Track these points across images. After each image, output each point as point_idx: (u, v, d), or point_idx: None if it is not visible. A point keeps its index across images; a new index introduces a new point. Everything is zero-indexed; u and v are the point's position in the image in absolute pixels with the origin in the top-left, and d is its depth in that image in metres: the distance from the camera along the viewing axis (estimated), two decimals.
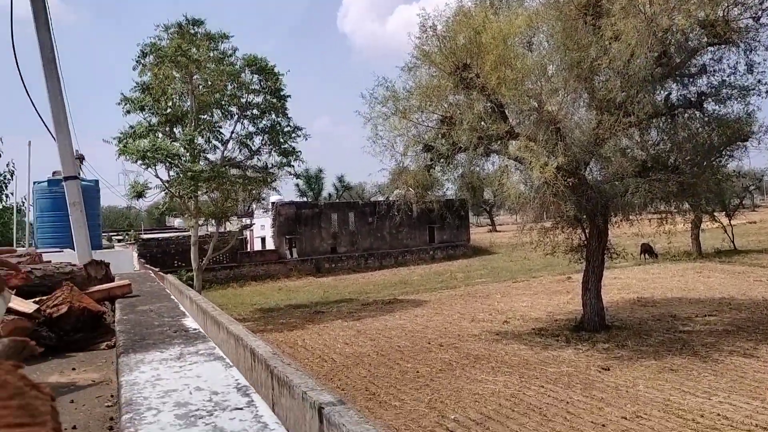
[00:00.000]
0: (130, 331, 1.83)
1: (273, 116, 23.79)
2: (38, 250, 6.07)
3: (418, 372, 12.47)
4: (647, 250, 29.22)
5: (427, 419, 9.56)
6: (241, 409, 1.02)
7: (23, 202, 13.93)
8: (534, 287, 24.36)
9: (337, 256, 37.95)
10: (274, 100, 23.40)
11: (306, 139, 24.53)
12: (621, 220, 15.76)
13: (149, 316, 2.10)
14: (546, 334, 15.26)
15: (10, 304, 2.28)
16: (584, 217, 15.05)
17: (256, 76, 23.07)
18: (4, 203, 14.81)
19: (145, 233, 41.41)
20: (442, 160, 14.84)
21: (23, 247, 10.36)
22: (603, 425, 8.74)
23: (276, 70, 23.14)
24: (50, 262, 2.97)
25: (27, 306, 2.25)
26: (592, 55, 12.42)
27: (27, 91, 6.39)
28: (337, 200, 49.56)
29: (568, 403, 9.84)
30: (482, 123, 13.73)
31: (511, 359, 13.01)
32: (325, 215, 38.41)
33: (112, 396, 1.73)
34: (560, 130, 13.07)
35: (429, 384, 11.53)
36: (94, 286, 2.80)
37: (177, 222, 44.78)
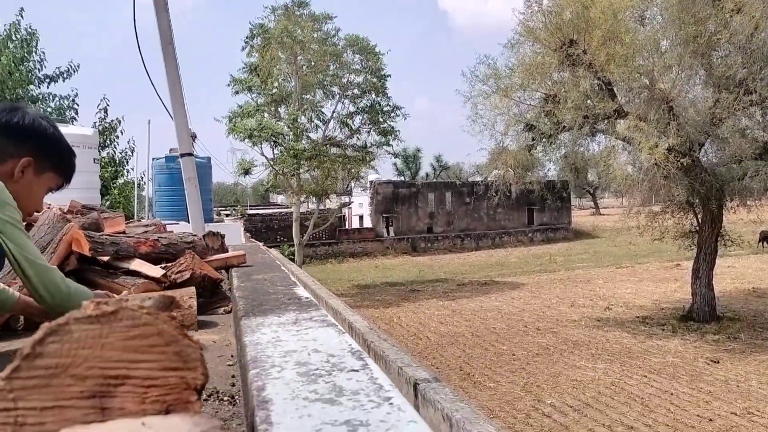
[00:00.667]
0: (248, 297, 1.95)
1: (373, 96, 24.04)
2: None
3: (513, 355, 12.35)
4: (766, 237, 27.18)
5: (522, 402, 9.48)
6: (356, 371, 1.08)
7: (142, 177, 14.98)
8: (639, 274, 23.35)
9: (433, 235, 38.02)
10: (375, 80, 23.63)
11: (405, 118, 24.64)
12: (737, 206, 14.74)
13: (264, 285, 2.23)
14: (651, 323, 14.63)
15: (140, 269, 2.49)
16: (697, 201, 14.20)
17: (358, 56, 23.37)
18: (125, 178, 15.98)
19: (250, 209, 43.30)
20: (544, 139, 14.45)
21: (143, 218, 11.14)
22: (710, 419, 8.31)
23: (377, 49, 23.33)
24: (172, 232, 3.20)
25: (155, 271, 2.45)
26: (710, 29, 11.60)
27: (148, 74, 6.78)
28: (435, 180, 49.52)
29: (672, 394, 9.43)
30: (588, 101, 13.20)
31: (612, 347, 12.60)
32: (422, 194, 38.53)
33: (232, 356, 1.86)
34: (673, 109, 12.33)
35: (525, 367, 11.40)
36: (212, 255, 2.99)
37: (280, 199, 46.49)
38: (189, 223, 6.13)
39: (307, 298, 1.88)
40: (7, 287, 1.87)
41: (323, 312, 1.63)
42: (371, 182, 36.48)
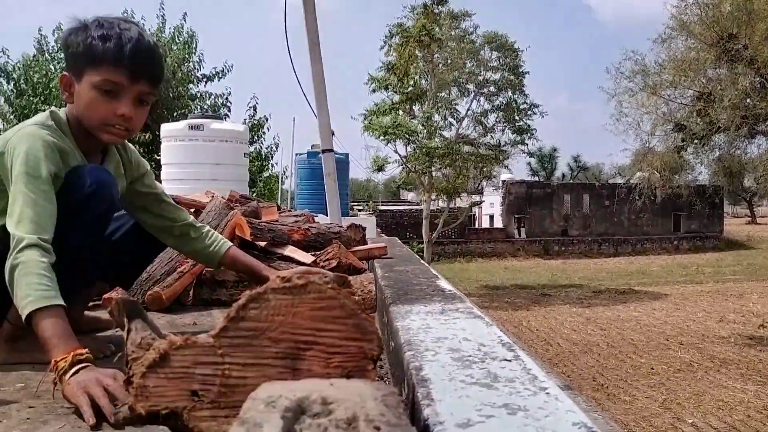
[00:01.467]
0: (393, 286, 2.04)
1: (509, 93, 23.65)
2: None
3: (652, 369, 11.65)
4: None
5: (660, 419, 8.94)
6: (509, 360, 1.11)
7: (285, 171, 15.85)
8: None
9: (568, 239, 36.69)
10: (512, 77, 23.23)
11: (542, 116, 24.00)
12: None
13: (407, 276, 2.31)
14: None
15: (294, 255, 2.67)
16: None
17: (495, 53, 23.10)
18: (270, 172, 16.98)
19: (381, 205, 44.28)
20: (695, 141, 13.47)
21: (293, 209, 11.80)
22: None
23: (516, 46, 22.93)
24: (319, 222, 3.40)
25: (307, 257, 2.62)
26: None
27: (296, 74, 7.14)
28: (571, 181, 47.74)
29: None
30: (748, 100, 12.13)
31: (765, 368, 11.50)
32: (557, 196, 37.30)
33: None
34: None
35: (664, 383, 10.72)
36: (354, 246, 3.14)
37: (410, 196, 47.06)
38: (327, 216, 6.42)
39: (450, 290, 1.94)
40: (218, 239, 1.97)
41: (468, 304, 1.67)
42: (504, 181, 35.90)
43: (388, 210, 38.55)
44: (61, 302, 1.33)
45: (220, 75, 16.20)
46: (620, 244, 36.80)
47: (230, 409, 0.75)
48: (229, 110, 16.25)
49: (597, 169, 60.71)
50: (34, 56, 15.49)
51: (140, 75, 1.55)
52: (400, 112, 22.59)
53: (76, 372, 1.20)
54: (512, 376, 1.00)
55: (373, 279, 2.46)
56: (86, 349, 1.26)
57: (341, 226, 3.06)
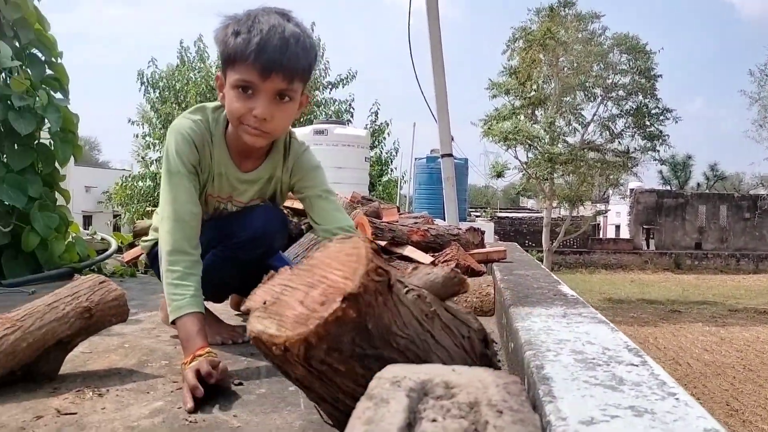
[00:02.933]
0: (513, 289, 2.02)
1: (640, 97, 22.46)
2: None
3: None
4: None
5: None
6: (635, 365, 1.07)
7: (404, 176, 16.05)
8: None
9: (702, 252, 34.14)
10: (643, 81, 22.05)
11: (676, 122, 22.58)
12: None
13: (527, 280, 2.28)
14: None
15: (412, 255, 2.72)
16: None
17: (625, 55, 22.05)
18: (389, 176, 17.27)
19: (500, 211, 43.58)
20: None
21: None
22: None
23: (648, 48, 21.76)
24: (438, 224, 3.43)
25: (425, 258, 2.66)
26: None
27: (417, 80, 7.22)
28: (707, 191, 44.44)
29: None
30: None
31: None
32: (690, 206, 34.86)
33: (495, 343, 1.95)
34: None
35: None
36: (473, 249, 3.13)
37: (530, 203, 45.93)
38: (445, 220, 6.44)
39: (572, 295, 1.89)
40: None
41: (592, 310, 1.63)
42: (632, 190, 34.09)
43: (507, 217, 37.86)
44: (194, 309, 1.51)
45: (345, 82, 16.74)
46: (762, 261, 33.69)
47: (270, 314, 0.87)
48: (352, 116, 16.74)
49: (736, 178, 56.10)
50: (176, 66, 16.81)
51: (271, 70, 1.44)
52: (522, 117, 22.16)
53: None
54: (639, 380, 0.97)
55: (491, 282, 2.45)
56: (207, 348, 1.43)
57: (460, 228, 3.07)
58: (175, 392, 1.39)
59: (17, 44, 3.33)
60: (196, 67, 16.50)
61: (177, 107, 15.40)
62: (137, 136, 17.13)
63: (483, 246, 3.33)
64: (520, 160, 22.45)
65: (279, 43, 1.43)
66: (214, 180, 1.68)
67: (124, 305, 1.56)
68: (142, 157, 17.68)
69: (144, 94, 16.31)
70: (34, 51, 3.44)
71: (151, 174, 16.23)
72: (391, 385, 0.70)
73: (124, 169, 25.45)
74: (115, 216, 21.94)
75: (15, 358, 1.37)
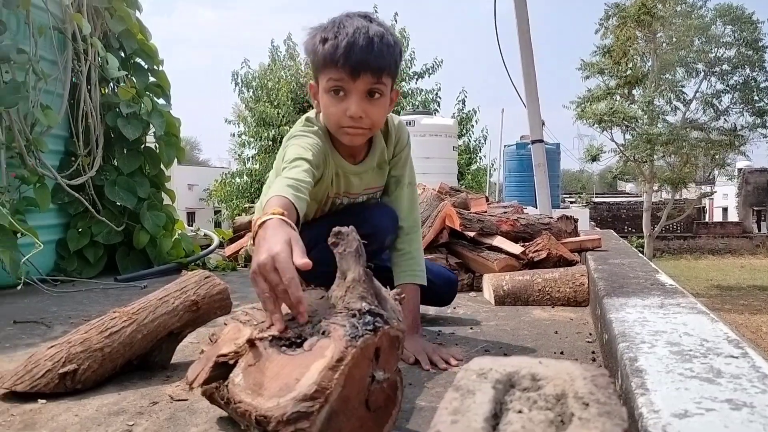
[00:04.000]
0: (607, 279, 1.97)
1: (747, 71, 20.92)
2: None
3: None
4: None
5: None
6: (735, 357, 1.03)
7: (493, 164, 15.84)
8: None
9: None
10: (750, 53, 20.52)
11: None
12: None
13: (622, 269, 2.21)
14: None
15: (502, 245, 2.70)
16: None
17: (729, 27, 20.59)
18: (478, 164, 17.10)
19: (595, 196, 42.03)
20: None
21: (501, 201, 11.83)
22: None
23: (754, 18, 20.22)
24: (529, 214, 3.38)
25: (515, 248, 2.64)
26: None
27: (505, 65, 7.09)
28: None
29: None
30: None
31: None
32: None
33: (590, 334, 1.91)
34: None
35: None
36: (565, 238, 3.07)
37: (629, 187, 43.98)
38: (536, 208, 6.31)
39: (671, 285, 1.82)
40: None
41: (692, 300, 1.56)
42: (740, 170, 31.89)
43: (604, 202, 36.44)
44: (285, 194, 1.31)
45: (431, 71, 16.68)
46: None
47: None
48: (439, 105, 16.68)
49: None
50: (268, 65, 17.36)
51: (359, 70, 1.50)
52: (617, 98, 21.20)
53: (267, 225, 1.13)
54: (738, 373, 0.94)
55: (585, 272, 2.40)
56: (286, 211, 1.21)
57: (551, 218, 3.01)
58: None
59: (122, 54, 3.57)
60: (286, 66, 16.97)
61: (270, 105, 15.91)
62: (234, 135, 17.86)
63: (576, 234, 3.25)
64: (616, 143, 21.51)
65: (364, 43, 1.49)
66: (332, 181, 1.74)
67: (227, 298, 1.66)
68: (239, 155, 18.42)
69: (238, 94, 16.97)
70: (138, 60, 3.68)
71: (248, 171, 16.89)
72: (478, 377, 0.72)
73: (222, 167, 26.65)
74: (216, 212, 23.01)
75: (132, 348, 1.49)
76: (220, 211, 19.64)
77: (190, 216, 27.03)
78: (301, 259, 1.03)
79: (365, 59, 1.50)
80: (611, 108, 19.91)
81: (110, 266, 3.42)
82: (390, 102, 1.64)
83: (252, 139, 16.85)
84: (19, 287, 2.68)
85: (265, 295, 1.02)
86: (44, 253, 3.06)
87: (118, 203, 3.35)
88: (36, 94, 2.85)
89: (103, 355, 1.44)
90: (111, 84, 3.50)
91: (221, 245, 4.16)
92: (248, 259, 3.70)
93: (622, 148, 21.20)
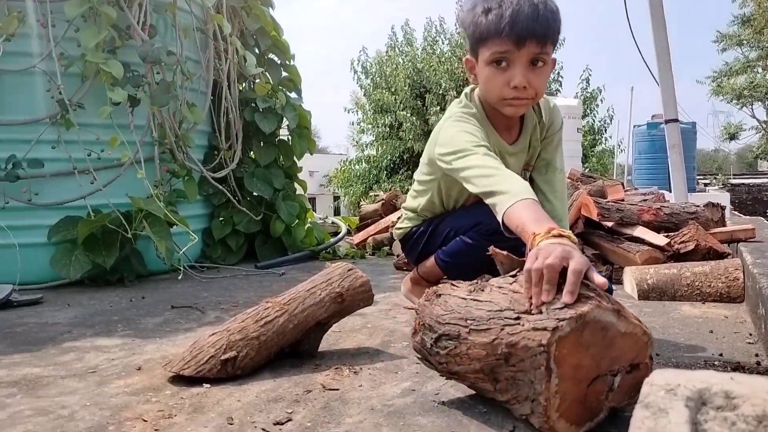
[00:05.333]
0: None
1: None
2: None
3: None
4: None
5: None
6: None
7: (620, 145, 15.05)
8: None
9: None
10: None
11: None
12: None
13: None
14: None
15: (644, 236, 2.56)
16: None
17: None
18: (603, 146, 16.33)
19: (733, 178, 38.79)
20: None
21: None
22: None
23: None
24: (671, 201, 3.17)
25: (659, 239, 2.49)
26: None
27: (635, 40, 6.69)
28: None
29: None
30: None
31: None
32: None
33: (750, 334, 1.77)
34: None
35: None
36: (713, 228, 2.85)
37: None
38: (671, 192, 5.93)
39: None
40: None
41: None
42: None
43: (742, 184, 33.53)
44: (531, 196, 1.32)
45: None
46: None
47: None
48: (561, 85, 16.06)
49: None
50: (386, 52, 17.51)
51: (525, 38, 1.49)
52: (759, 70, 19.42)
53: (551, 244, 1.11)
54: None
55: (740, 265, 2.22)
56: (569, 231, 1.18)
57: (698, 206, 2.81)
58: (420, 373, 1.48)
59: (257, 51, 3.74)
60: (404, 51, 17.04)
61: (387, 92, 16.07)
62: (352, 123, 18.24)
63: (724, 223, 3.02)
64: (758, 119, 19.78)
65: (530, 11, 1.48)
66: None
67: (369, 290, 1.70)
68: (356, 142, 18.80)
69: (356, 82, 17.27)
70: (271, 56, 3.83)
71: (366, 157, 17.20)
72: (666, 393, 0.68)
73: (341, 154, 27.31)
74: (335, 198, 23.68)
75: (284, 337, 1.57)
76: (339, 197, 20.17)
77: (312, 202, 27.99)
78: (599, 279, 1.06)
79: (531, 27, 1.48)
80: (752, 82, 18.35)
81: (249, 253, 3.61)
82: (550, 69, 1.62)
83: (369, 126, 17.13)
84: (179, 276, 2.90)
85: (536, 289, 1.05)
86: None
87: (255, 194, 3.53)
88: (183, 92, 3.05)
89: (260, 344, 1.52)
90: (248, 80, 3.68)
91: (348, 233, 4.27)
92: (376, 247, 3.78)
93: (764, 125, 19.43)
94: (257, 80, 3.56)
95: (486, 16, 1.52)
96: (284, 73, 3.82)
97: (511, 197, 1.32)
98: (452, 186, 1.81)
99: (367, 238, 3.83)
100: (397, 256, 3.36)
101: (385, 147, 15.95)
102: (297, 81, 3.80)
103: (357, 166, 17.58)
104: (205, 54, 3.34)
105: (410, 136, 14.37)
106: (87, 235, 2.64)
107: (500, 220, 1.34)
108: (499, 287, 1.18)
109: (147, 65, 2.78)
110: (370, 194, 10.74)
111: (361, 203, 17.92)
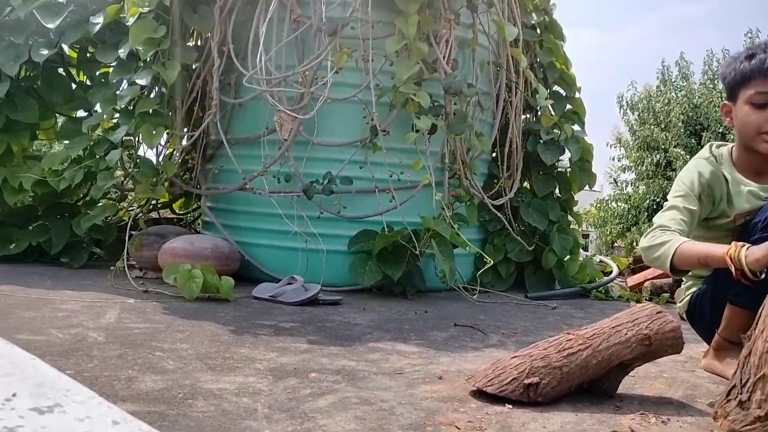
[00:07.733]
0: None
1: None
2: None
3: None
4: None
5: None
6: None
7: None
8: None
9: None
10: None
11: None
12: None
13: None
14: None
15: None
16: None
17: None
18: None
19: None
20: None
21: None
22: None
23: None
24: None
25: None
26: None
27: None
28: None
29: None
30: None
31: None
32: None
33: None
34: None
35: None
36: None
37: None
38: None
39: None
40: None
41: None
42: None
43: None
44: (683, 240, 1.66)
45: None
46: None
47: None
48: None
49: None
50: (656, 86, 16.43)
51: None
52: None
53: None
54: None
55: None
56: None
57: None
58: None
59: (544, 83, 3.78)
60: (678, 86, 15.83)
61: (656, 128, 15.05)
62: (612, 159, 17.40)
63: None
64: None
65: None
66: (732, 201, 1.82)
67: (679, 337, 1.59)
68: (614, 179, 17.87)
69: (622, 117, 16.49)
70: (556, 88, 3.84)
71: (625, 196, 16.24)
72: None
73: (594, 191, 26.13)
74: (584, 236, 22.73)
75: (586, 372, 1.54)
76: (588, 234, 19.31)
77: None
78: None
79: None
80: None
81: (518, 282, 3.63)
82: None
83: (632, 164, 16.17)
84: (474, 296, 3.08)
85: None
86: (466, 263, 3.43)
87: (531, 224, 3.54)
88: (473, 122, 3.21)
89: (562, 374, 1.51)
90: (533, 111, 3.73)
91: (620, 274, 4.05)
92: (654, 292, 3.53)
93: None
94: (544, 112, 3.59)
95: (750, 61, 1.67)
96: (568, 106, 3.80)
97: (675, 242, 1.64)
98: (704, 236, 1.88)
99: (645, 281, 3.60)
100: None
101: (649, 186, 14.91)
102: (581, 113, 3.76)
103: (614, 204, 16.70)
104: (495, 86, 3.47)
105: None
106: (381, 248, 2.90)
107: (668, 264, 1.65)
108: None
109: (447, 96, 2.98)
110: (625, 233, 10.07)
111: (614, 244, 16.92)
